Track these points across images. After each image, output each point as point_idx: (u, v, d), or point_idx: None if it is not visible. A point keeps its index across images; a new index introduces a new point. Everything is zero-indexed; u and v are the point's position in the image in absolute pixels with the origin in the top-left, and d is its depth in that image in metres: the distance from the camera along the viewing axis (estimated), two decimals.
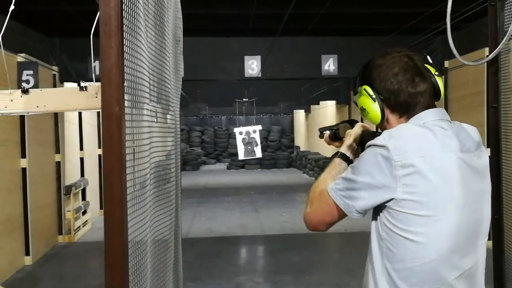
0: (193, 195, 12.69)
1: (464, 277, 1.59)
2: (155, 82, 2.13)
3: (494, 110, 3.22)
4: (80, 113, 8.87)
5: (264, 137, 22.89)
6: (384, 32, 8.04)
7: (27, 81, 6.20)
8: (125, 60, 1.56)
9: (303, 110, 21.55)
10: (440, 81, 1.69)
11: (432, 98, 1.67)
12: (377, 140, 1.57)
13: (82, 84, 2.14)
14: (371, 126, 1.82)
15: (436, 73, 1.68)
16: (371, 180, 1.55)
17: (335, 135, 1.99)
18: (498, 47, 2.91)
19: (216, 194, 13.54)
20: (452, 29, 2.83)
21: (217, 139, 24.50)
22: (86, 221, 8.85)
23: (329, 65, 8.56)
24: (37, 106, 2.22)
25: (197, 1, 6.49)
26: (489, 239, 1.85)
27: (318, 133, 2.08)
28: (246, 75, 8.64)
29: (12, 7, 2.23)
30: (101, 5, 1.50)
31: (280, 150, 23.21)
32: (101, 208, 9.36)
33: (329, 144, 2.03)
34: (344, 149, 1.84)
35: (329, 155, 1.89)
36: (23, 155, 6.60)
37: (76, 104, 2.19)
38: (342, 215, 1.63)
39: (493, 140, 3.24)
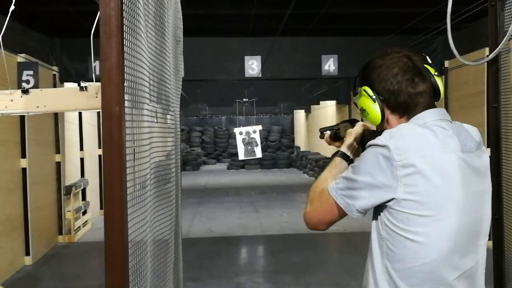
0: (193, 195, 12.69)
1: (464, 277, 1.59)
2: (155, 82, 2.13)
3: (494, 110, 3.22)
4: (80, 113, 8.87)
5: (264, 137, 22.89)
6: (384, 32, 8.04)
7: (27, 81, 6.20)
8: (125, 60, 1.56)
9: (303, 110, 21.55)
10: (439, 81, 1.69)
11: (432, 98, 1.67)
12: (378, 140, 1.57)
13: (82, 84, 2.14)
14: (371, 126, 1.82)
15: (436, 73, 1.68)
16: (371, 179, 1.55)
17: (336, 135, 1.99)
18: (498, 47, 2.91)
19: (216, 194, 13.54)
20: (452, 29, 2.83)
21: (217, 139, 24.50)
22: (86, 221, 8.85)
23: (329, 65, 8.56)
24: (37, 106, 2.22)
25: (197, 1, 6.48)
26: (489, 239, 1.85)
27: (319, 133, 2.07)
28: (246, 75, 8.64)
29: (12, 7, 2.23)
30: (101, 5, 1.50)
31: (280, 150, 23.21)
32: (101, 208, 9.36)
33: (329, 144, 2.03)
34: (344, 149, 1.84)
35: (330, 155, 1.89)
36: (23, 155, 6.60)
37: (76, 104, 2.19)
38: (342, 214, 1.63)
39: (493, 140, 3.24)
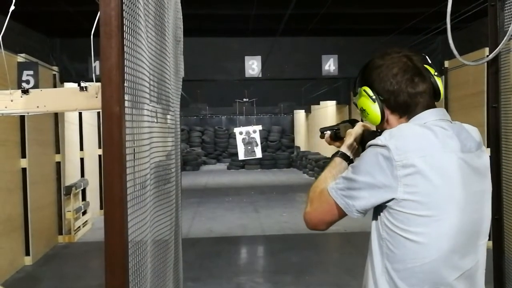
0: (193, 195, 12.69)
1: (465, 278, 1.59)
2: (155, 82, 2.13)
3: (494, 110, 3.22)
4: (80, 113, 8.87)
5: (264, 137, 22.89)
6: (384, 32, 8.04)
7: (27, 81, 6.20)
8: (125, 61, 1.56)
9: (303, 110, 21.55)
10: (439, 82, 1.69)
11: (432, 99, 1.67)
12: (378, 140, 1.57)
13: (82, 84, 2.14)
14: (371, 126, 1.82)
15: (436, 73, 1.68)
16: (371, 179, 1.55)
17: (336, 135, 1.99)
18: (498, 47, 2.91)
19: (216, 194, 13.54)
20: (452, 29, 2.83)
21: (217, 139, 24.50)
22: (86, 221, 8.85)
23: (330, 65, 8.56)
24: (37, 106, 2.22)
25: (197, 1, 6.49)
26: (489, 239, 1.85)
27: (319, 133, 2.07)
28: (247, 75, 8.64)
29: (12, 7, 2.23)
30: (102, 5, 1.50)
31: (280, 150, 23.21)
32: (101, 208, 9.36)
33: (330, 144, 2.03)
34: (344, 149, 1.84)
35: (329, 155, 1.89)
36: (23, 155, 6.60)
37: (76, 104, 2.19)
38: (342, 214, 1.63)
39: (493, 140, 3.24)
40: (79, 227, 8.40)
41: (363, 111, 1.71)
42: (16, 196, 6.47)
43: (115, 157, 1.53)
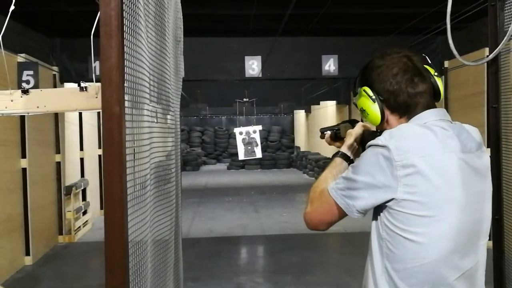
0: (193, 195, 12.69)
1: (465, 278, 1.59)
2: (155, 83, 2.13)
3: (494, 110, 3.22)
4: (80, 114, 8.87)
5: (264, 137, 22.89)
6: (384, 32, 8.04)
7: (27, 82, 6.20)
8: (125, 61, 1.56)
9: (304, 110, 21.55)
10: (439, 82, 1.69)
11: (432, 99, 1.67)
12: (378, 140, 1.57)
13: (82, 84, 2.14)
14: (371, 126, 1.82)
15: (436, 73, 1.68)
16: (371, 180, 1.55)
17: (336, 135, 1.99)
18: (498, 47, 2.91)
19: (216, 194, 13.54)
20: (452, 29, 2.83)
21: (217, 139, 24.50)
22: (87, 221, 8.85)
23: (330, 65, 8.56)
24: (37, 107, 2.22)
25: (197, 1, 6.49)
26: (489, 239, 1.85)
27: (319, 133, 2.08)
28: (247, 75, 8.64)
29: (12, 7, 2.23)
30: (102, 5, 1.50)
31: (280, 150, 23.20)
32: (101, 208, 9.36)
33: (330, 144, 2.03)
34: (345, 149, 1.84)
35: (330, 156, 1.89)
36: (23, 155, 6.60)
37: (76, 104, 2.19)
38: (342, 214, 1.63)
39: (493, 140, 3.24)
40: (79, 227, 8.40)
41: (363, 111, 1.71)
42: (16, 196, 6.47)
43: (115, 157, 1.52)
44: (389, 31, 7.92)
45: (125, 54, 1.56)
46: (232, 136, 21.21)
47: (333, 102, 15.86)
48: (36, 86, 6.05)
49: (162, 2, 2.26)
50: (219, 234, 8.58)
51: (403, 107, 1.65)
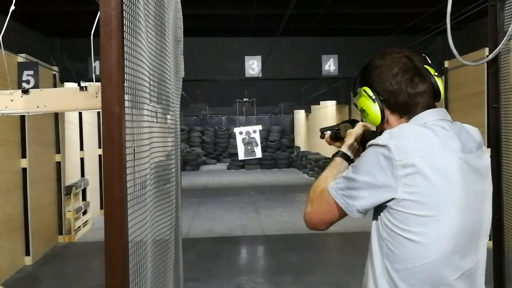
0: (193, 195, 12.69)
1: (465, 278, 1.59)
2: (155, 82, 2.13)
3: (495, 110, 3.22)
4: (80, 113, 8.87)
5: (264, 137, 22.89)
6: (384, 32, 8.04)
7: (28, 81, 6.20)
8: (125, 61, 1.56)
9: (303, 110, 21.55)
10: (440, 82, 1.69)
11: (432, 99, 1.67)
12: (378, 140, 1.57)
13: (82, 84, 2.14)
14: (372, 126, 1.82)
15: (436, 73, 1.68)
16: (372, 179, 1.55)
17: (336, 135, 1.99)
18: (498, 47, 2.91)
19: (216, 194, 13.54)
20: (452, 29, 2.83)
21: (217, 139, 24.50)
22: (87, 221, 8.85)
23: (330, 65, 8.56)
24: (38, 106, 2.22)
25: (197, 1, 6.49)
26: (489, 239, 1.85)
27: (319, 133, 2.07)
28: (247, 75, 8.64)
29: (12, 7, 2.23)
30: (102, 5, 1.50)
31: (280, 150, 23.20)
32: (101, 208, 9.36)
33: (330, 144, 2.03)
34: (345, 149, 1.84)
35: (329, 156, 1.89)
36: (24, 155, 6.60)
37: (77, 104, 2.19)
38: (342, 214, 1.63)
39: (494, 140, 3.24)
40: (79, 227, 8.40)
41: (363, 111, 1.71)
42: (16, 196, 6.47)
43: (115, 157, 1.52)
44: (389, 31, 7.92)
45: (125, 54, 1.56)
46: (232, 136, 21.22)
47: (333, 102, 15.86)
48: (36, 86, 6.05)
49: (162, 2, 2.26)
50: (219, 234, 8.58)
51: (403, 107, 1.65)
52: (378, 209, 1.59)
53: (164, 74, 2.36)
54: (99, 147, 9.62)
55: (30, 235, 6.66)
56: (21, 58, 6.53)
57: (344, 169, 1.74)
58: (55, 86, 7.74)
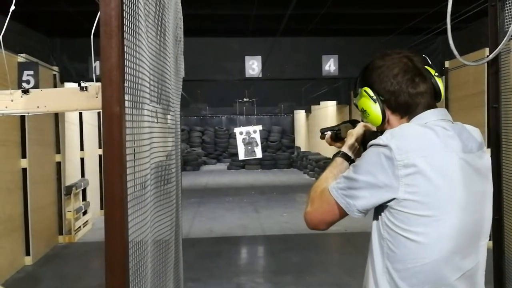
0: (194, 195, 12.69)
1: (465, 278, 1.59)
2: (155, 83, 2.13)
3: (495, 110, 3.22)
4: (80, 114, 8.87)
5: (265, 138, 22.89)
6: (384, 32, 8.04)
7: (28, 81, 6.20)
8: (125, 61, 1.56)
9: (304, 111, 21.55)
10: (440, 82, 1.69)
11: (432, 99, 1.67)
12: (379, 140, 1.57)
13: (83, 84, 2.14)
14: (372, 127, 1.82)
15: (436, 74, 1.68)
16: (373, 179, 1.55)
17: (337, 136, 1.99)
18: (498, 47, 2.91)
19: (217, 194, 13.54)
20: (453, 29, 2.83)
21: (218, 139, 24.50)
22: (87, 221, 8.85)
23: (330, 65, 8.56)
24: (38, 106, 2.22)
25: (197, 1, 6.49)
26: (489, 240, 1.85)
27: (319, 133, 2.07)
28: (247, 75, 8.64)
29: (12, 7, 2.23)
30: (102, 5, 1.50)
31: (280, 151, 23.20)
32: (101, 208, 9.36)
33: (330, 144, 2.03)
34: (345, 149, 1.84)
35: (330, 156, 1.88)
36: (24, 155, 6.60)
37: (77, 104, 2.19)
38: (343, 214, 1.62)
39: (494, 140, 3.24)
40: (79, 227, 8.40)
41: (363, 111, 1.71)
42: (16, 196, 6.47)
43: (115, 157, 1.52)
44: (389, 31, 7.92)
45: (125, 54, 1.56)
46: (232, 136, 21.23)
47: (334, 102, 15.86)
48: (36, 86, 6.06)
49: (162, 2, 2.26)
50: (219, 234, 8.58)
51: (404, 107, 1.65)
52: (379, 209, 1.59)
53: (164, 74, 2.36)
54: (99, 147, 9.62)
55: (30, 235, 6.66)
56: (21, 58, 6.53)
57: (345, 169, 1.74)
58: (55, 86, 7.74)
